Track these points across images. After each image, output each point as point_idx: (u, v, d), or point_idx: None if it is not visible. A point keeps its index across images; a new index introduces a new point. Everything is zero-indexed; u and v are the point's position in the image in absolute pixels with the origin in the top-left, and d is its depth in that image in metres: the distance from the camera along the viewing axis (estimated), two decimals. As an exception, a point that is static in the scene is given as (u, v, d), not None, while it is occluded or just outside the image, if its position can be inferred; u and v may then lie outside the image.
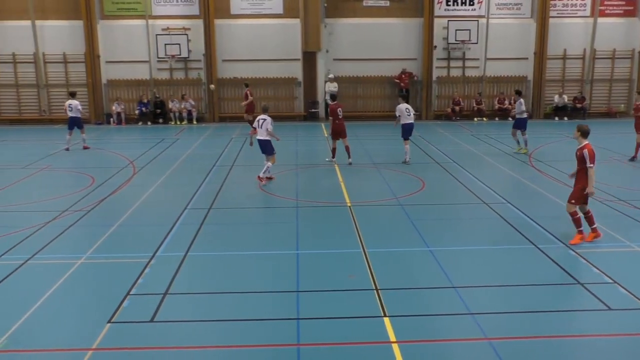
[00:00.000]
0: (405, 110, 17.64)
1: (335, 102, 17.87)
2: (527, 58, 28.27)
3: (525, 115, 19.01)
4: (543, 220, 11.58)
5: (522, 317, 7.60)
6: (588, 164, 9.96)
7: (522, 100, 19.18)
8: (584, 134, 10.20)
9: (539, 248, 10.11)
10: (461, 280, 8.73)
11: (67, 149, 20.23)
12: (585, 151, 10.03)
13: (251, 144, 15.53)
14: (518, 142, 19.17)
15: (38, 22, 27.09)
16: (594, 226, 10.38)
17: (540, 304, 8.00)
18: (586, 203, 10.27)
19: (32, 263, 9.57)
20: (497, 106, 28.02)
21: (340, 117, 17.36)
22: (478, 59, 28.33)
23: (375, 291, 8.37)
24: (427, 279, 8.90)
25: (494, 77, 28.47)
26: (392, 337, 7.03)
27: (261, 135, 14.94)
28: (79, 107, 20.51)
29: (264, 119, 14.93)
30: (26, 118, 28.04)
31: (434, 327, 7.39)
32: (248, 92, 24.04)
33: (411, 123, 17.66)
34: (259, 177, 14.89)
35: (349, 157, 17.44)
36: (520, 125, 19.00)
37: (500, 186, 14.61)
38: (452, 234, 11.14)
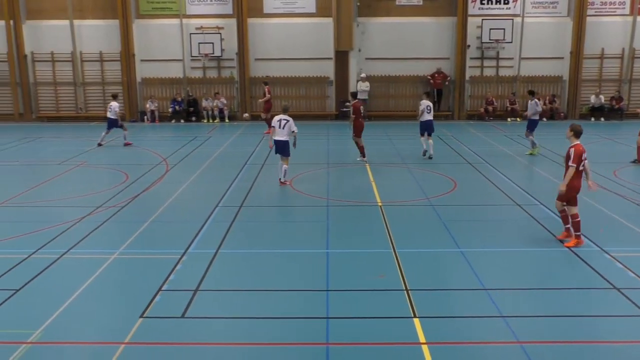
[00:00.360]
0: (426, 108, 18.09)
1: (357, 99, 18.04)
2: (562, 57, 27.80)
3: (537, 117, 18.69)
4: (577, 223, 11.37)
5: (555, 321, 7.48)
6: (570, 162, 10.01)
7: (537, 100, 18.73)
8: (577, 133, 10.27)
9: (572, 251, 9.95)
10: (493, 282, 8.64)
11: (100, 144, 20.70)
12: (572, 150, 10.05)
13: (271, 146, 15.04)
14: (534, 144, 18.81)
15: (76, 22, 27.61)
16: (568, 226, 10.40)
17: (574, 308, 7.88)
18: (573, 205, 10.22)
19: (68, 257, 9.76)
20: (531, 106, 27.60)
21: (363, 114, 17.63)
22: (512, 59, 27.96)
23: (405, 292, 8.33)
24: (458, 280, 8.83)
25: (529, 77, 28.06)
26: (422, 339, 6.99)
27: (281, 135, 14.53)
28: (117, 109, 20.94)
29: (287, 120, 14.54)
30: (63, 115, 28.58)
31: (464, 329, 7.32)
32: (267, 89, 23.93)
33: (429, 121, 18.03)
34: (280, 181, 14.78)
35: (364, 155, 17.76)
36: (532, 126, 18.63)
37: (533, 187, 14.42)
38: (483, 235, 11.02)
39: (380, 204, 13.03)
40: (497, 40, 27.18)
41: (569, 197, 10.21)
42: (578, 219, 10.15)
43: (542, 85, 28.10)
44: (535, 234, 10.99)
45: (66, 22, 27.51)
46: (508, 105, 27.73)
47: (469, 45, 27.57)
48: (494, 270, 9.24)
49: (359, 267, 9.34)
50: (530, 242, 10.62)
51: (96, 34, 27.78)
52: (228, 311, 7.87)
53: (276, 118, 14.78)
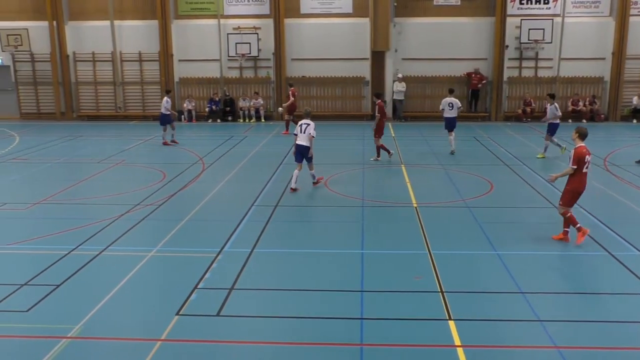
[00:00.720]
0: (448, 105, 18.87)
1: (381, 100, 18.05)
2: (604, 58, 27.19)
3: (557, 120, 18.23)
4: (617, 226, 11.16)
5: (594, 327, 7.33)
6: (570, 164, 10.16)
7: (556, 105, 18.34)
8: (581, 135, 10.40)
9: (612, 255, 9.74)
10: (529, 286, 8.51)
11: (164, 144, 20.99)
12: (574, 151, 10.18)
13: (294, 152, 14.43)
14: (559, 145, 18.39)
15: (116, 22, 28.11)
16: (567, 229, 10.50)
17: (613, 313, 7.71)
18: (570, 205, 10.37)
19: (106, 254, 9.94)
20: (570, 108, 27.09)
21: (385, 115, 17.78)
22: (551, 59, 27.47)
23: (440, 293, 8.26)
24: (494, 283, 8.72)
25: (568, 78, 27.53)
26: (457, 341, 6.92)
27: (302, 140, 14.04)
28: (166, 104, 21.05)
29: (307, 124, 14.08)
30: (103, 114, 29.14)
31: (500, 332, 7.23)
32: (292, 92, 23.76)
33: (451, 117, 18.80)
34: (315, 183, 14.69)
35: (379, 155, 17.89)
36: (553, 130, 18.25)
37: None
38: (520, 238, 10.85)
39: (415, 204, 12.95)
40: (536, 41, 26.74)
41: (571, 200, 10.32)
42: (569, 214, 10.32)
43: (582, 86, 27.56)
44: (573, 237, 10.76)
45: (107, 22, 28.04)
46: (546, 106, 27.21)
47: (507, 46, 27.19)
48: (531, 274, 9.09)
49: (393, 268, 9.30)
50: (569, 245, 10.42)
51: (135, 35, 28.25)
52: (262, 310, 7.91)
53: (299, 123, 14.40)
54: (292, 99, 23.51)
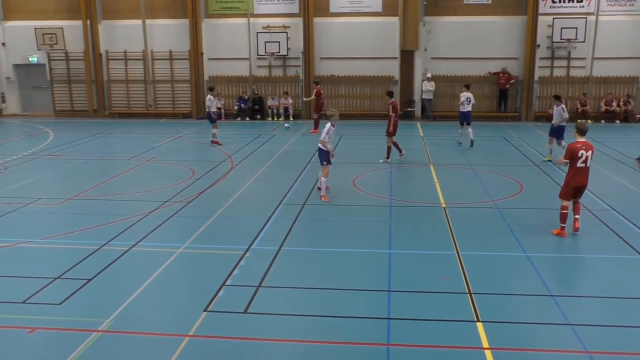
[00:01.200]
0: (465, 100, 20.24)
1: (393, 99, 18.00)
2: (639, 57, 26.67)
3: (564, 123, 17.41)
4: (652, 230, 10.94)
5: (628, 332, 7.19)
6: (563, 157, 10.73)
7: (563, 106, 17.52)
8: (579, 131, 10.76)
9: (646, 259, 9.56)
10: (560, 289, 8.40)
11: (215, 142, 20.90)
12: (567, 146, 10.78)
13: (332, 155, 13.57)
14: (551, 151, 17.71)
15: (148, 21, 28.46)
16: (577, 216, 10.94)
17: (646, 318, 7.56)
18: (575, 197, 10.85)
19: (136, 250, 10.08)
20: (603, 108, 26.64)
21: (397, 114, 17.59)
22: (584, 59, 27.03)
23: (468, 295, 8.20)
24: (524, 285, 8.61)
25: (602, 78, 27.06)
26: (485, 343, 6.86)
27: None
28: (208, 102, 21.17)
29: (323, 127, 13.53)
30: (134, 112, 29.52)
31: (529, 335, 7.14)
32: (317, 90, 23.64)
33: (468, 112, 20.22)
34: (321, 193, 13.47)
35: (400, 151, 17.69)
36: (559, 133, 17.51)
37: (605, 192, 13.86)
38: (551, 240, 10.69)
39: (444, 205, 12.87)
40: (569, 40, 26.34)
41: (565, 194, 10.81)
42: (565, 212, 10.75)
43: (616, 86, 27.06)
44: (606, 241, 10.61)
45: (139, 21, 28.41)
46: (579, 106, 26.82)
47: (538, 45, 26.84)
48: (561, 276, 8.99)
49: (421, 269, 9.26)
50: (601, 248, 10.26)
51: (166, 33, 28.57)
52: (290, 308, 7.94)
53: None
54: (316, 97, 23.52)
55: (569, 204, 10.82)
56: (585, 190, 11.00)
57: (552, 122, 17.69)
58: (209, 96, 21.32)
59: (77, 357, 6.61)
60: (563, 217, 10.76)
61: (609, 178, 15.58)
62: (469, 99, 20.28)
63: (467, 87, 20.88)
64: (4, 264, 9.53)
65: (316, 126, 23.46)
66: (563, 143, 17.23)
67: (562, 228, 10.76)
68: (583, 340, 6.93)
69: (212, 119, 21.05)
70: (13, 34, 29.47)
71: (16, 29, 29.37)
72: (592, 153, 10.60)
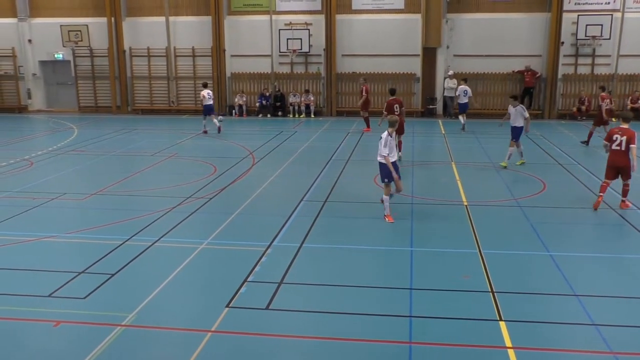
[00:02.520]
0: (462, 92, 23.34)
1: (394, 97, 17.61)
2: (665, 55, 26.27)
3: (522, 123, 16.15)
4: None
5: (652, 333, 7.11)
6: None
7: (522, 106, 16.45)
8: (623, 119, 12.36)
9: (673, 260, 9.41)
10: (584, 289, 8.31)
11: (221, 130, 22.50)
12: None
13: (396, 178, 11.42)
14: (510, 156, 16.40)
15: (171, 18, 28.65)
16: (624, 199, 12.38)
17: (672, 320, 7.45)
18: (617, 177, 12.27)
19: (159, 245, 10.17)
20: (629, 106, 26.24)
21: (396, 112, 16.75)
22: (609, 56, 26.63)
23: (490, 293, 8.15)
24: (547, 284, 8.53)
25: (627, 75, 26.66)
26: (508, 342, 6.82)
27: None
28: (207, 96, 22.64)
29: (380, 137, 11.69)
30: (156, 108, 29.76)
31: (553, 335, 7.08)
32: (365, 88, 23.47)
33: (464, 103, 23.38)
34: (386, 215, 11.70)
35: (399, 151, 16.42)
36: (517, 134, 16.27)
37: (630, 191, 13.64)
38: (574, 239, 10.61)
39: (466, 203, 12.79)
40: (593, 37, 25.99)
41: (606, 172, 12.34)
42: (603, 184, 12.37)
43: (642, 83, 26.68)
44: (632, 240, 10.48)
45: (162, 18, 28.61)
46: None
47: (562, 42, 26.53)
48: (586, 276, 8.88)
49: (443, 267, 9.22)
50: (626, 248, 10.15)
51: (189, 30, 28.75)
52: (311, 305, 7.95)
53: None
54: (364, 95, 23.35)
55: (610, 181, 12.27)
56: (611, 189, 10.95)
57: (511, 123, 16.36)
58: (207, 91, 22.68)
59: (101, 351, 6.70)
60: (602, 188, 12.34)
61: (633, 177, 15.32)
62: (465, 92, 23.26)
63: (465, 81, 23.97)
64: (29, 258, 9.66)
65: (368, 124, 23.30)
66: (518, 146, 16.41)
67: (600, 197, 12.24)
68: (608, 341, 6.85)
69: (210, 111, 22.65)
70: (39, 31, 29.85)
71: (42, 26, 29.74)
72: (632, 139, 11.84)
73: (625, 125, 12.11)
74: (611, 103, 23.45)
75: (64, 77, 30.60)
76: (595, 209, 12.11)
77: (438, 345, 6.81)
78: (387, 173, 11.39)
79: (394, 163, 11.37)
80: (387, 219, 11.45)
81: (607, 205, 12.54)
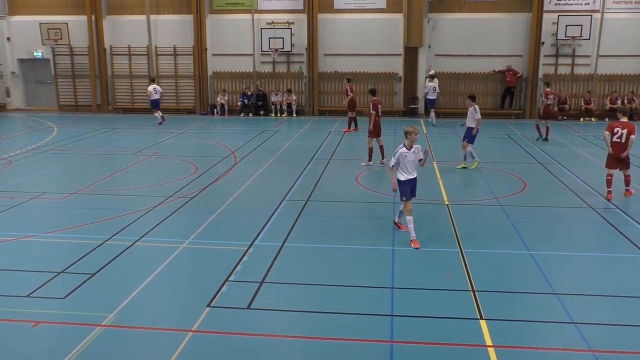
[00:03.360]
0: (431, 89, 25.02)
1: (376, 97, 17.47)
2: (644, 55, 26.61)
3: (474, 125, 16.04)
4: (656, 229, 10.91)
5: (632, 331, 7.17)
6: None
7: (476, 106, 16.18)
8: (622, 112, 13.22)
9: (650, 258, 9.53)
10: (564, 287, 8.38)
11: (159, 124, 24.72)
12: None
13: (394, 189, 10.52)
14: (473, 156, 16.29)
15: (152, 17, 28.48)
16: (628, 188, 13.29)
17: (650, 317, 7.54)
18: (617, 167, 13.07)
19: (139, 245, 10.09)
20: (608, 106, 26.58)
21: (380, 113, 16.67)
22: (589, 56, 26.96)
23: (471, 292, 8.19)
24: (527, 283, 8.60)
25: (606, 75, 27.00)
26: (489, 341, 6.85)
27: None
28: (152, 91, 25.19)
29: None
30: (137, 107, 29.54)
31: (533, 333, 7.13)
32: (349, 87, 23.32)
33: (432, 99, 25.09)
34: (394, 222, 11.17)
35: (383, 157, 16.54)
36: (471, 136, 16.15)
37: (619, 187, 13.78)
38: (554, 238, 10.69)
39: (447, 202, 12.85)
40: (573, 37, 26.28)
41: (608, 161, 13.20)
42: (609, 178, 13.11)
43: (621, 83, 27.03)
44: (611, 239, 10.60)
45: (143, 17, 28.42)
46: (583, 104, 26.80)
47: (543, 42, 26.78)
48: (565, 275, 8.96)
49: (424, 266, 9.25)
50: (605, 247, 10.27)
51: (171, 29, 28.60)
52: (293, 304, 7.93)
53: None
54: (350, 94, 23.12)
55: (613, 172, 13.06)
56: (590, 189, 11.00)
57: (467, 124, 16.38)
58: (153, 86, 24.82)
59: (81, 351, 6.62)
60: (608, 183, 13.04)
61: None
62: (434, 88, 24.97)
63: (432, 78, 25.79)
64: (8, 258, 9.54)
65: (355, 125, 23.20)
66: (470, 148, 16.27)
67: (609, 192, 12.97)
68: (587, 338, 6.91)
69: (156, 106, 25.18)
70: (18, 29, 29.55)
71: (21, 24, 29.44)
72: (632, 132, 12.63)
73: (624, 119, 12.99)
74: (554, 99, 23.71)
75: (43, 76, 30.29)
76: (609, 200, 12.92)
77: (419, 344, 6.83)
78: (404, 189, 10.26)
79: (411, 180, 10.31)
80: (412, 244, 9.99)
81: (585, 203, 12.68)
